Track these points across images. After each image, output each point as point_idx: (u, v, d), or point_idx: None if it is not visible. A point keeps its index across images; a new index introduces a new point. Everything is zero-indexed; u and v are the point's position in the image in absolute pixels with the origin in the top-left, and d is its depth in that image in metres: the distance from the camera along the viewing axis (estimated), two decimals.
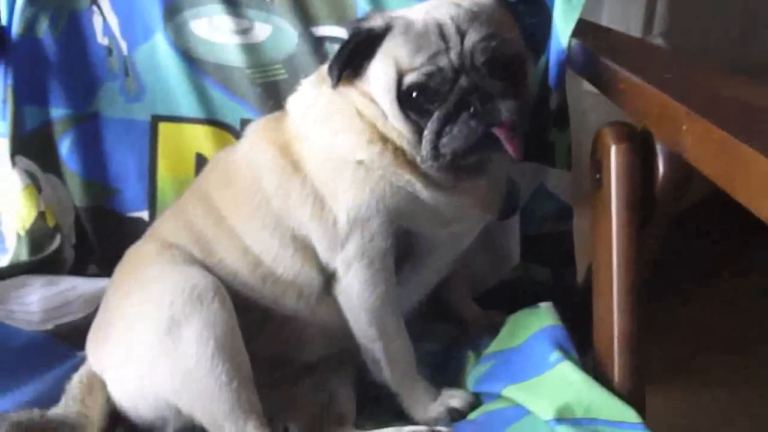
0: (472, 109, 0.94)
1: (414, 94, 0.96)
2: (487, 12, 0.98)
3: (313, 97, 1.09)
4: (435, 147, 0.96)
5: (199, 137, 1.37)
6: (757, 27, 1.95)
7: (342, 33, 1.34)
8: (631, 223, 0.95)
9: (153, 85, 1.36)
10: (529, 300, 1.17)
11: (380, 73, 0.98)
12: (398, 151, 1.00)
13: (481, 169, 1.03)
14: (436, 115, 0.96)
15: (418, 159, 0.99)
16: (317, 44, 1.34)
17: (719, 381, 1.89)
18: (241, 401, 0.93)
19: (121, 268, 1.13)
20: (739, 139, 0.64)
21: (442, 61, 0.95)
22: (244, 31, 1.35)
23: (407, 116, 0.97)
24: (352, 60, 1.00)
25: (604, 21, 1.73)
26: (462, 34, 0.95)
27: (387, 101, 0.98)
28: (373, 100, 1.00)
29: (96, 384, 1.04)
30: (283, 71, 1.35)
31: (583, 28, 1.16)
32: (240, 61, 1.35)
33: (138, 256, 1.11)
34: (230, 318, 0.96)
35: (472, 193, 1.04)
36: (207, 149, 1.37)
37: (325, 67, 1.09)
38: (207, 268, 1.05)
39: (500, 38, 0.96)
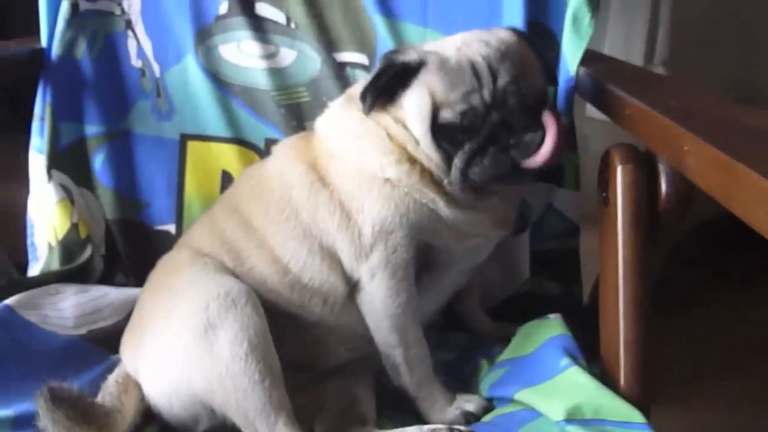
0: (502, 144, 1.02)
1: (447, 128, 1.03)
2: (514, 52, 1.05)
3: (341, 118, 1.16)
4: (464, 174, 1.04)
5: (226, 155, 1.45)
6: (758, 57, 2.01)
7: (363, 59, 1.42)
8: (636, 237, 1.02)
9: (183, 105, 1.45)
10: (539, 312, 1.22)
11: (415, 105, 1.05)
12: (425, 172, 1.07)
13: (500, 191, 1.10)
14: (467, 147, 1.03)
15: (445, 181, 1.07)
16: (339, 69, 1.42)
17: (721, 399, 1.93)
18: (272, 399, 0.99)
19: (155, 276, 1.19)
20: (734, 158, 0.72)
21: (475, 100, 1.02)
22: (270, 56, 1.43)
23: (439, 145, 1.05)
24: (385, 89, 1.06)
25: (606, 51, 1.79)
26: (494, 74, 1.03)
27: (420, 130, 1.05)
28: (405, 126, 1.07)
29: (131, 384, 1.10)
30: (306, 94, 1.43)
31: (589, 57, 1.24)
32: (266, 84, 1.42)
33: (171, 264, 1.17)
34: (262, 321, 1.02)
35: (490, 211, 1.12)
36: (232, 167, 1.45)
37: (353, 90, 1.17)
38: (237, 276, 1.11)
39: (527, 80, 1.04)
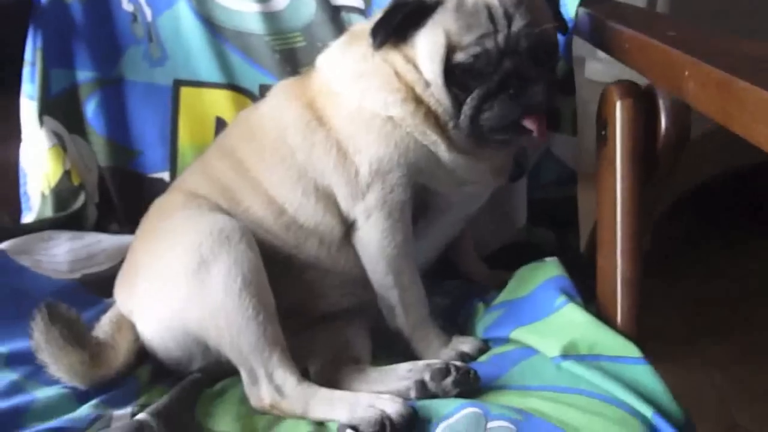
0: (511, 91, 1.00)
1: (459, 71, 1.01)
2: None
3: (344, 56, 1.13)
4: (473, 120, 1.03)
5: (219, 101, 1.43)
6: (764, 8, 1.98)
7: (357, 2, 1.40)
8: (634, 174, 1.01)
9: (175, 51, 1.42)
10: (534, 260, 1.21)
11: (429, 44, 1.02)
12: (430, 114, 1.05)
13: (503, 141, 1.09)
14: (477, 92, 1.01)
15: (450, 124, 1.05)
16: (334, 13, 1.39)
17: (714, 359, 1.95)
18: (267, 334, 0.98)
19: (148, 219, 1.18)
20: (735, 76, 0.70)
21: (490, 44, 1.00)
22: (264, 0, 1.40)
23: (449, 88, 1.03)
24: (399, 27, 1.03)
25: None
26: (509, 19, 1.01)
27: (432, 72, 1.03)
28: (415, 66, 1.05)
29: (125, 323, 1.09)
30: (301, 39, 1.41)
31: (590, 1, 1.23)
32: (260, 29, 1.40)
33: (165, 207, 1.16)
34: (256, 257, 1.02)
35: (489, 159, 1.10)
36: (226, 113, 1.43)
37: (356, 28, 1.15)
38: (232, 216, 1.09)
39: (541, 27, 1.02)
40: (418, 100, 1.05)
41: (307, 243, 1.10)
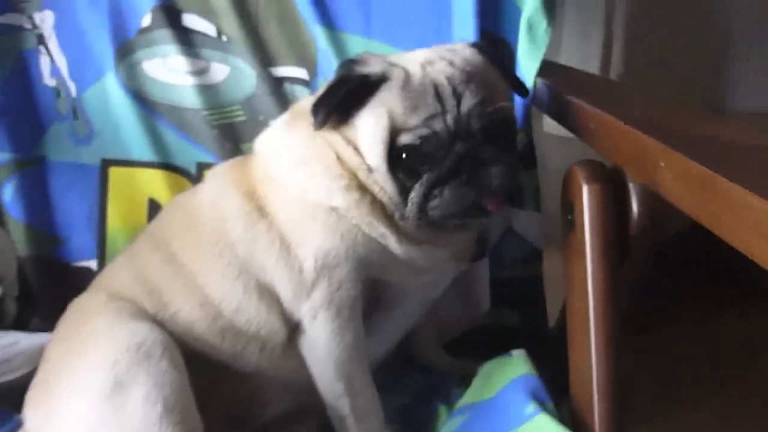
0: (464, 176, 0.91)
1: (405, 155, 0.92)
2: (480, 73, 0.95)
3: (285, 138, 1.03)
4: (421, 209, 0.93)
5: (153, 182, 1.31)
6: (717, 69, 1.97)
7: (302, 74, 1.31)
8: (606, 267, 0.91)
9: (103, 128, 1.31)
10: (500, 345, 1.12)
11: (371, 126, 0.93)
12: (376, 203, 0.95)
13: (461, 226, 0.99)
14: (426, 177, 0.92)
15: (396, 215, 0.95)
16: (277, 85, 1.30)
17: (696, 421, 1.85)
18: None
19: (64, 323, 1.04)
20: (721, 175, 0.61)
21: (438, 125, 0.91)
22: (199, 72, 1.30)
23: (394, 174, 0.93)
24: (341, 104, 0.94)
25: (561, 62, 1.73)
26: (458, 97, 0.92)
27: (375, 156, 0.93)
28: (357, 150, 0.95)
29: None
30: (241, 113, 1.31)
31: (546, 68, 1.15)
32: (196, 103, 1.30)
33: (82, 310, 1.03)
34: (181, 377, 0.89)
35: (448, 246, 1.01)
36: (160, 194, 1.31)
37: (300, 106, 1.05)
38: (159, 322, 0.98)
39: (495, 104, 0.93)
40: (363, 188, 0.95)
41: (246, 350, 0.98)
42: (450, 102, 0.91)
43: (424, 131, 0.91)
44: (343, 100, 0.93)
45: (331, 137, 0.96)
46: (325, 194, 0.95)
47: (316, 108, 0.94)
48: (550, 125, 1.76)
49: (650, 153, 0.75)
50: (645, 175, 0.78)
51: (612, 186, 0.92)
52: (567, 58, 1.85)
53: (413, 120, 0.91)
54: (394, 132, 0.91)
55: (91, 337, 0.94)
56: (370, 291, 0.99)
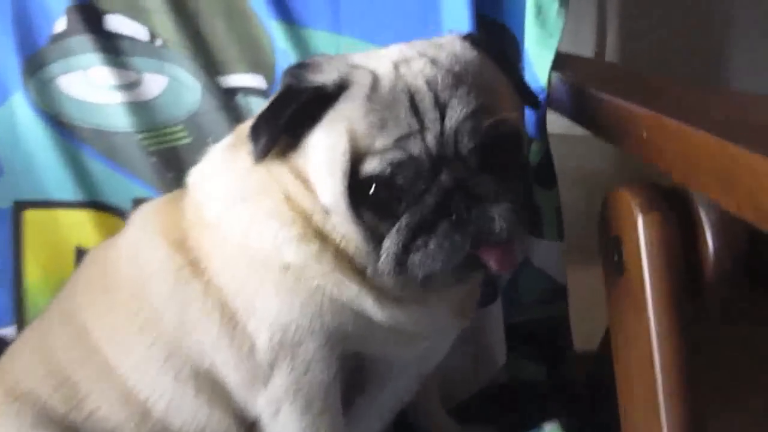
0: (455, 217, 0.66)
1: (373, 189, 0.68)
2: (472, 72, 0.70)
3: (224, 169, 0.80)
4: (399, 263, 0.68)
5: (79, 226, 1.08)
6: (711, 53, 1.83)
7: (258, 82, 1.09)
8: (678, 329, 0.67)
9: (12, 163, 1.07)
10: (521, 406, 0.98)
11: (326, 151, 0.69)
12: (342, 255, 0.72)
13: (456, 280, 0.74)
14: (404, 221, 0.68)
15: (368, 270, 0.71)
16: (227, 97, 1.08)
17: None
18: None
19: None
20: None
21: (415, 147, 0.67)
22: (130, 86, 1.07)
23: (360, 216, 0.69)
24: (289, 125, 0.71)
25: None
26: (442, 108, 0.67)
27: (331, 191, 0.69)
28: (309, 185, 0.71)
29: None
30: (184, 134, 1.08)
31: (560, 60, 0.93)
32: (127, 124, 1.07)
33: None
34: None
35: (444, 302, 0.76)
36: (90, 241, 1.08)
37: (243, 127, 0.81)
38: (72, 426, 0.76)
39: (494, 115, 0.68)
40: (323, 237, 0.71)
41: None
42: (431, 115, 0.67)
43: (397, 155, 0.66)
44: (290, 120, 0.69)
45: (278, 170, 0.72)
46: (273, 246, 0.72)
47: (256, 132, 0.71)
48: (549, 121, 1.61)
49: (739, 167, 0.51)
50: (731, 197, 0.54)
51: (677, 214, 0.67)
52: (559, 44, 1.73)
53: (381, 141, 0.66)
54: (356, 158, 0.67)
55: None
56: (351, 370, 0.76)
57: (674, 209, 0.69)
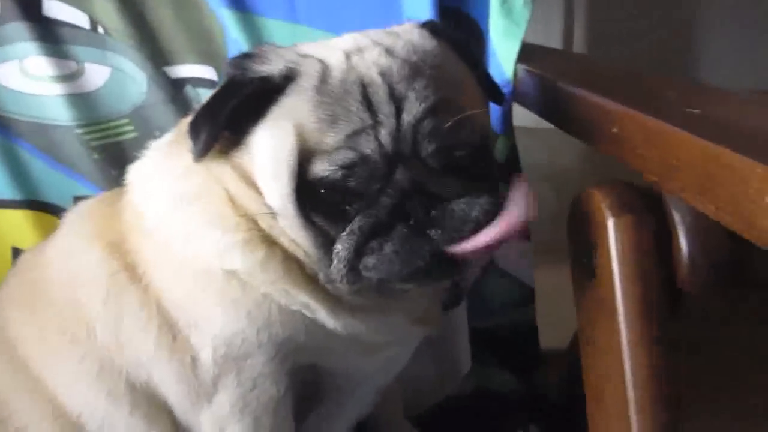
0: (412, 221, 0.61)
1: (323, 190, 0.63)
2: (431, 63, 0.65)
3: (164, 168, 0.74)
4: (353, 269, 0.63)
5: (16, 226, 1.03)
6: (678, 47, 1.82)
7: (208, 73, 1.02)
8: (648, 333, 0.63)
9: None
10: (487, 417, 0.95)
11: (271, 150, 0.64)
12: (290, 261, 0.66)
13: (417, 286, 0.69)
14: (357, 224, 0.63)
15: (320, 276, 0.66)
16: (174, 89, 1.02)
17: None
18: None
19: None
20: None
21: (368, 145, 0.62)
22: (70, 77, 1.01)
23: (309, 219, 0.64)
24: (231, 121, 0.65)
25: None
26: (398, 102, 0.62)
27: (278, 193, 0.64)
28: (254, 185, 0.66)
29: None
30: (129, 128, 1.03)
31: (527, 52, 0.89)
32: (67, 117, 1.01)
33: None
34: None
35: (405, 308, 0.71)
36: (28, 242, 1.01)
37: (185, 122, 0.74)
38: None
39: (454, 112, 0.63)
40: (270, 241, 0.66)
41: None
42: (385, 109, 0.62)
43: (348, 156, 0.61)
44: (232, 114, 0.64)
45: (219, 169, 0.67)
46: (216, 252, 0.66)
47: (195, 128, 0.65)
48: (516, 115, 1.57)
49: (729, 172, 0.46)
50: (714, 203, 0.49)
51: (651, 217, 0.63)
52: (526, 37, 1.70)
53: (331, 137, 0.61)
54: (305, 156, 0.62)
55: None
56: (303, 384, 0.71)
57: (649, 211, 0.64)
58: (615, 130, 0.63)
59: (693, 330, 0.67)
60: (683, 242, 0.62)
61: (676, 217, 0.63)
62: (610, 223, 0.64)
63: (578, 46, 1.73)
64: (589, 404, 0.74)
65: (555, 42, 1.71)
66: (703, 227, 0.62)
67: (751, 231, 0.48)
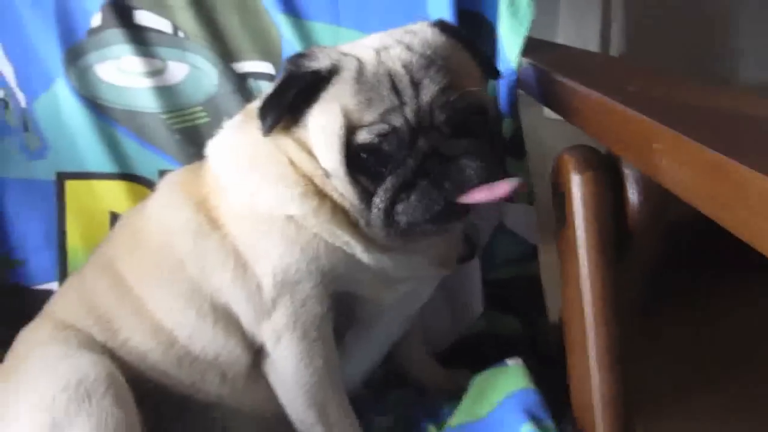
0: (432, 175, 0.80)
1: (364, 156, 0.82)
2: (442, 56, 0.84)
3: (236, 141, 0.94)
4: (388, 216, 0.82)
5: (112, 194, 1.21)
6: (717, 45, 1.89)
7: (267, 68, 1.21)
8: (602, 266, 0.81)
9: (57, 140, 1.20)
10: (497, 354, 1.03)
11: (323, 126, 0.83)
12: (337, 210, 0.85)
13: (436, 231, 0.88)
14: (390, 181, 0.82)
15: (362, 222, 0.85)
16: (240, 82, 1.20)
17: (707, 412, 1.74)
18: None
19: (9, 356, 0.95)
20: (732, 157, 0.50)
21: (397, 120, 0.81)
22: (156, 72, 1.20)
23: (354, 178, 0.83)
24: (291, 105, 0.84)
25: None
26: (416, 86, 0.81)
27: (330, 159, 0.83)
28: (311, 153, 0.85)
29: None
30: (203, 114, 1.21)
31: (535, 46, 1.04)
32: (154, 106, 1.20)
33: (26, 342, 0.94)
34: (127, 416, 0.80)
35: (426, 251, 0.90)
36: (122, 207, 1.20)
37: (251, 106, 0.95)
38: (110, 351, 0.89)
39: (459, 90, 0.82)
40: (322, 194, 0.85)
41: (206, 379, 0.89)
42: (408, 92, 0.81)
43: (382, 127, 0.80)
44: (292, 101, 0.83)
45: (283, 141, 0.86)
46: (279, 202, 0.85)
47: (263, 112, 0.84)
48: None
49: (644, 134, 0.64)
50: (642, 161, 0.67)
51: (606, 174, 0.81)
52: (564, 37, 1.76)
53: (369, 116, 0.81)
54: (350, 130, 0.81)
55: (31, 374, 0.85)
56: (341, 307, 0.89)
57: (605, 170, 0.82)
58: (578, 105, 0.81)
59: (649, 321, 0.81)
60: (631, 193, 0.80)
61: (627, 174, 0.80)
62: (575, 178, 0.82)
63: (615, 46, 1.77)
64: (565, 334, 0.90)
65: (593, 43, 1.75)
66: (648, 184, 0.79)
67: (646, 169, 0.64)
